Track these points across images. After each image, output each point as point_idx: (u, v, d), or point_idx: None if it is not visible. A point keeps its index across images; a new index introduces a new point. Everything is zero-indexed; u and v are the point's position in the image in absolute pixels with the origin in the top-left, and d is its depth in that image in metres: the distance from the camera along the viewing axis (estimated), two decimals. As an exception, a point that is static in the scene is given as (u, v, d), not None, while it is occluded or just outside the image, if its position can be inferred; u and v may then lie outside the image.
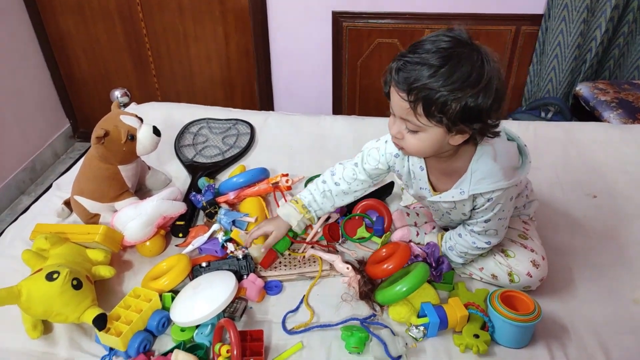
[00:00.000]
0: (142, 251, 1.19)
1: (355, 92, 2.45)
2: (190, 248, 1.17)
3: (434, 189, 1.02)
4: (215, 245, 1.16)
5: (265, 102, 2.53)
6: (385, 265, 1.05)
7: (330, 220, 1.23)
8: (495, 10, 2.12)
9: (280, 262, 1.15)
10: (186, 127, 1.68)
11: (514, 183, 0.94)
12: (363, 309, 1.05)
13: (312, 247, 1.17)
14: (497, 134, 0.88)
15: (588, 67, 2.15)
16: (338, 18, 2.24)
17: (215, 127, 1.70)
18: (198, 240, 1.17)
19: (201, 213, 1.31)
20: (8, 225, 1.35)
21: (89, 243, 1.11)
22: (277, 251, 1.15)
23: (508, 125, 1.19)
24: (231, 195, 1.30)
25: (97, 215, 1.25)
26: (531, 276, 1.04)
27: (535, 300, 0.98)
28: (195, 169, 1.48)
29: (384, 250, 1.12)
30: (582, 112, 2.09)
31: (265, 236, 1.14)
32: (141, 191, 1.41)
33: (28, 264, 1.05)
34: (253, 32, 2.32)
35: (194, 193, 1.29)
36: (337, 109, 2.51)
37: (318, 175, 1.39)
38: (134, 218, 1.15)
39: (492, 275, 1.08)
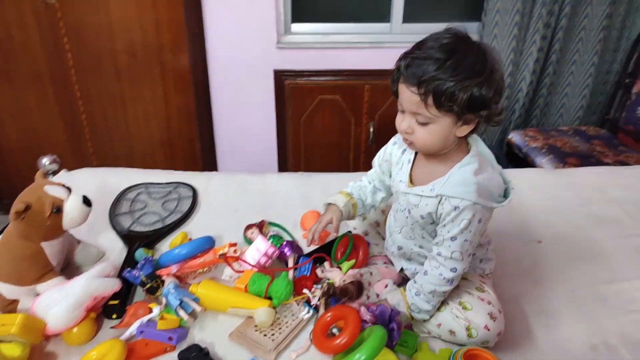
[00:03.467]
0: (69, 339, 1.04)
1: (299, 148, 2.45)
2: (132, 328, 1.05)
3: (411, 183, 1.07)
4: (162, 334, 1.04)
5: (208, 162, 2.48)
6: (338, 341, 0.96)
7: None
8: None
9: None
10: (122, 194, 1.57)
11: (482, 203, 0.96)
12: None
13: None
14: (501, 122, 0.97)
15: (517, 116, 2.29)
16: (280, 76, 2.27)
17: (155, 192, 1.60)
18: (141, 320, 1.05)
19: (138, 289, 1.19)
20: None
21: (4, 336, 0.96)
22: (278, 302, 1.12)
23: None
24: (174, 269, 1.19)
25: (15, 302, 1.10)
26: (489, 329, 1.01)
27: (497, 358, 0.95)
28: (132, 239, 1.37)
29: (328, 314, 1.05)
30: (516, 158, 2.20)
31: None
32: (69, 268, 1.27)
33: None
34: (194, 92, 2.30)
35: (128, 269, 1.17)
36: (283, 166, 2.49)
37: (276, 225, 1.41)
38: (58, 302, 1.02)
39: (450, 332, 1.04)
